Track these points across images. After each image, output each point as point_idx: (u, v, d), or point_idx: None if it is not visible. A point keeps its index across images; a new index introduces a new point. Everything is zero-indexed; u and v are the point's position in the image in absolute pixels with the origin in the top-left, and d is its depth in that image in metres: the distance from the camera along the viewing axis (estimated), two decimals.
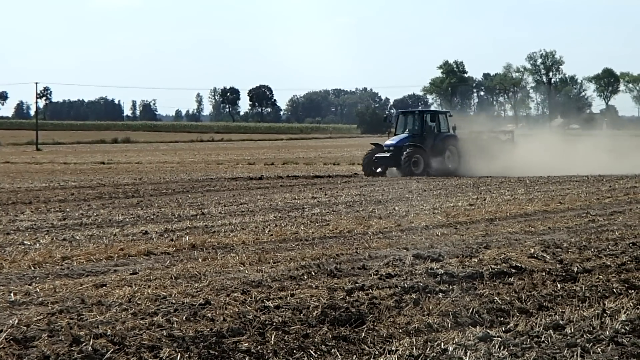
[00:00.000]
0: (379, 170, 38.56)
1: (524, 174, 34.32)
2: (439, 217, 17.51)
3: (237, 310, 8.25)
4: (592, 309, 8.76)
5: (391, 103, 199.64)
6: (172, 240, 14.18)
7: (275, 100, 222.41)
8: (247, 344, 7.30)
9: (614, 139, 55.67)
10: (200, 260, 11.95)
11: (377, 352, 7.31)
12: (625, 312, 8.55)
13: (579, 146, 46.87)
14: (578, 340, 7.53)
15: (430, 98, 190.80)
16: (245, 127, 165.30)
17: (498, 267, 10.68)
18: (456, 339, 7.56)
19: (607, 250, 12.36)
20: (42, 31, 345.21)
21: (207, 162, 54.74)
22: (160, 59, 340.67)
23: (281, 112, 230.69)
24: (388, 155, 38.69)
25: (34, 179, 35.88)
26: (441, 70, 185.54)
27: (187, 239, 14.16)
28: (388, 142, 39.68)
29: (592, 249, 12.38)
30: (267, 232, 15.26)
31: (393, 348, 7.36)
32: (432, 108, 40.14)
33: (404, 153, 37.97)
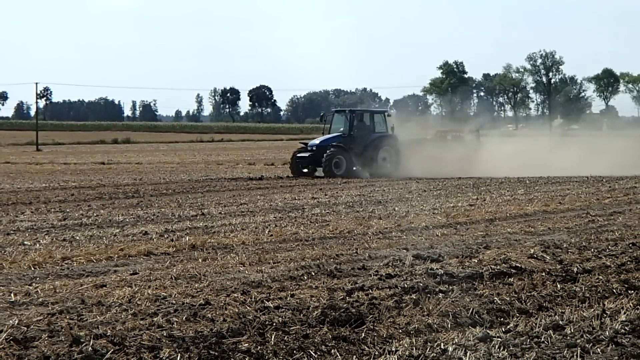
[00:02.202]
0: (305, 170, 37.65)
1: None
2: (439, 218, 17.51)
3: (237, 310, 8.26)
4: (592, 310, 8.77)
5: (391, 103, 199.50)
6: (172, 240, 14.19)
7: (275, 100, 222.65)
8: (247, 345, 7.31)
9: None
10: (200, 260, 11.96)
11: (377, 353, 7.32)
12: (625, 313, 8.56)
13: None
14: (578, 341, 7.54)
15: (430, 98, 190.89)
16: (245, 127, 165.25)
17: (498, 267, 10.69)
18: (456, 340, 7.57)
19: (607, 250, 12.37)
20: (42, 31, 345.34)
21: (207, 163, 54.76)
22: (160, 59, 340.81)
23: (281, 113, 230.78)
24: (307, 155, 37.75)
25: (34, 179, 35.89)
26: (441, 70, 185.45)
27: (187, 239, 14.17)
28: (312, 141, 38.95)
29: (592, 250, 12.39)
30: (267, 232, 15.28)
31: (393, 348, 7.37)
32: (371, 107, 38.72)
33: (325, 154, 36.98)
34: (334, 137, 38.39)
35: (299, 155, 38.22)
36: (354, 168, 37.41)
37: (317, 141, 38.57)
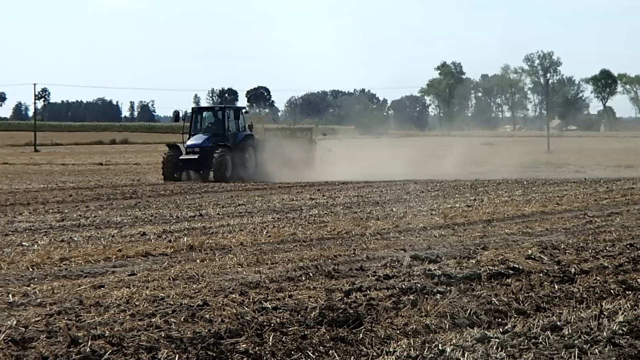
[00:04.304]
0: (175, 175, 34.56)
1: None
2: (437, 219, 17.52)
3: (235, 311, 8.26)
4: (590, 310, 8.78)
5: (389, 104, 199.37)
6: (170, 241, 14.19)
7: (273, 101, 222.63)
8: (245, 345, 7.32)
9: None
10: (198, 261, 11.97)
11: (374, 353, 7.32)
12: (622, 313, 8.57)
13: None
14: (576, 342, 7.55)
15: (428, 99, 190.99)
16: None
17: (496, 268, 10.70)
18: (454, 340, 7.57)
19: (605, 251, 12.39)
20: (41, 32, 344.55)
21: None
22: (158, 60, 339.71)
23: (279, 113, 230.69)
24: (196, 157, 34.46)
25: (32, 180, 35.88)
26: (439, 71, 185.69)
27: (185, 240, 14.17)
28: (190, 142, 35.05)
29: (590, 250, 12.40)
30: (265, 233, 15.28)
31: (391, 349, 7.38)
32: (232, 105, 36.12)
33: (216, 155, 34.04)
34: (210, 137, 35.18)
35: (182, 157, 34.74)
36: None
37: (197, 141, 34.95)
